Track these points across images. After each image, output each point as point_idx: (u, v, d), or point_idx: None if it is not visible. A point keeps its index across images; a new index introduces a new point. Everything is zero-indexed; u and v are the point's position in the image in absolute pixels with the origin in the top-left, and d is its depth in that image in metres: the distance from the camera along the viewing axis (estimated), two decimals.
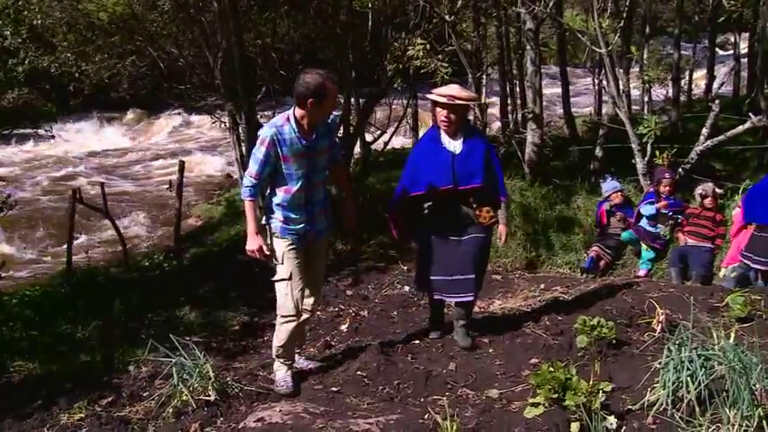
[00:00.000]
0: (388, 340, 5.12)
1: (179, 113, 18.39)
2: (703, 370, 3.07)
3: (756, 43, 9.53)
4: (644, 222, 7.42)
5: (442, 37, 9.06)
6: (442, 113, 4.53)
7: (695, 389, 3.03)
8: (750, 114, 7.59)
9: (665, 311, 4.23)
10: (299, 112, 4.14)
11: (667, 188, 7.30)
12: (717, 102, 7.76)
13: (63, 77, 11.85)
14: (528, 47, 9.28)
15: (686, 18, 13.06)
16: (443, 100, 4.46)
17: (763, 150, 9.46)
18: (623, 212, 7.70)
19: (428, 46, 8.18)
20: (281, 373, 4.47)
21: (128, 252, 8.65)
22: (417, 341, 4.96)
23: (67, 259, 7.91)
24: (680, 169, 7.59)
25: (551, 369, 3.30)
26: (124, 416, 4.21)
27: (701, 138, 7.68)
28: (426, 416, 3.64)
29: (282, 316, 4.38)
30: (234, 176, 13.66)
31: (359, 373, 4.55)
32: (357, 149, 10.92)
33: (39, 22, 10.05)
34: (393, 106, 11.38)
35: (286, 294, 4.33)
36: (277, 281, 4.35)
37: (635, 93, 11.32)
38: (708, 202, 7.18)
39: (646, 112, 10.46)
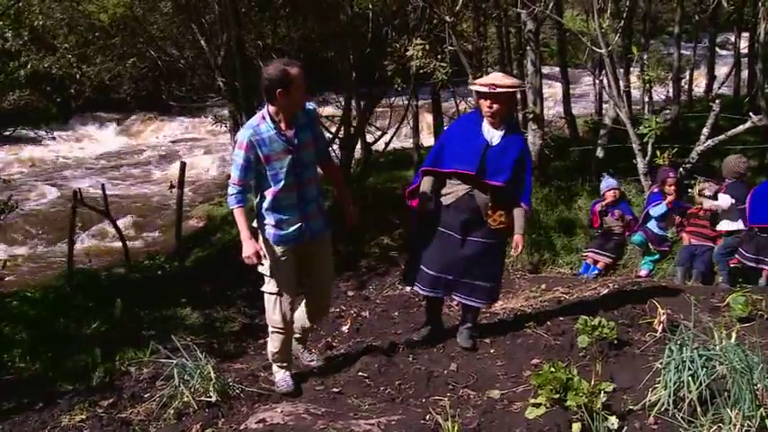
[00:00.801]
0: (390, 341, 5.12)
1: (180, 115, 18.40)
2: (705, 370, 3.07)
3: (756, 43, 9.52)
4: (652, 224, 7.36)
5: (443, 38, 9.05)
6: (485, 104, 4.31)
7: (696, 389, 3.02)
8: (750, 114, 7.58)
9: (666, 311, 4.23)
10: (272, 108, 4.00)
11: (673, 187, 7.28)
12: (717, 101, 7.74)
13: (64, 79, 11.87)
14: (528, 47, 9.27)
15: (686, 18, 13.04)
16: (484, 89, 4.25)
17: (763, 150, 9.45)
18: (621, 210, 7.68)
19: (427, 46, 8.16)
20: (280, 374, 4.46)
21: (129, 253, 8.65)
22: (419, 342, 4.95)
23: (68, 260, 7.92)
24: (680, 169, 7.57)
25: (553, 369, 3.30)
26: (125, 417, 4.21)
27: (702, 137, 7.67)
28: (428, 416, 3.64)
29: (272, 327, 4.33)
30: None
31: (360, 373, 4.56)
32: (358, 150, 10.92)
33: (40, 23, 10.07)
34: (394, 107, 11.38)
35: (274, 308, 4.25)
36: (265, 292, 4.26)
37: (635, 93, 11.31)
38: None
39: (646, 112, 10.45)
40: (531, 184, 4.61)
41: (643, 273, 7.22)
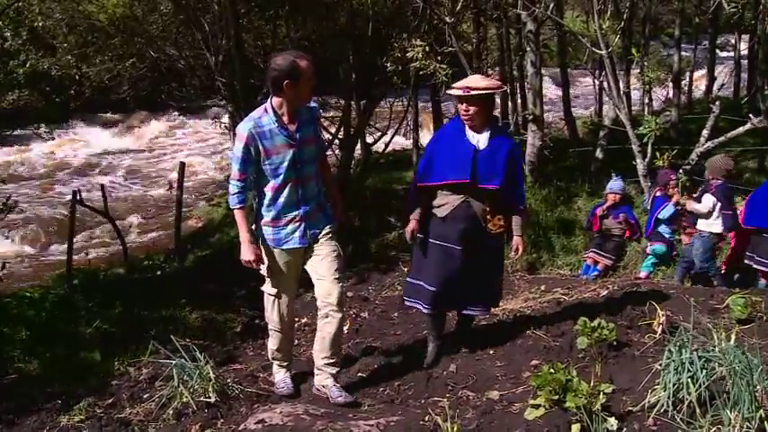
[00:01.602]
0: (389, 341, 5.12)
1: (179, 115, 18.41)
2: (704, 371, 3.07)
3: (756, 44, 9.53)
4: (663, 229, 7.33)
5: (443, 38, 9.06)
6: (461, 108, 4.20)
7: (696, 390, 3.02)
8: (750, 116, 7.59)
9: (665, 313, 4.23)
10: (276, 100, 3.91)
11: (676, 189, 7.26)
12: (717, 103, 7.75)
13: (63, 79, 11.86)
14: (528, 48, 9.29)
15: (686, 19, 13.06)
16: (459, 92, 4.16)
17: (763, 152, 9.46)
18: (624, 214, 7.69)
19: (427, 48, 8.17)
20: (279, 376, 4.44)
21: (128, 253, 8.65)
22: (418, 342, 4.95)
23: (68, 260, 7.91)
24: (680, 171, 7.58)
25: (552, 371, 3.29)
26: (124, 417, 4.21)
27: (702, 139, 7.68)
28: (427, 417, 3.64)
29: (270, 326, 4.33)
30: None
31: (359, 374, 4.56)
32: (358, 151, 10.93)
33: (39, 23, 10.06)
34: (393, 108, 11.39)
35: (272, 308, 4.24)
36: (265, 292, 4.25)
37: (635, 94, 11.32)
38: None
39: (646, 113, 10.47)
40: (522, 177, 4.53)
41: (642, 275, 7.23)
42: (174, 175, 9.48)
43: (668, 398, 3.09)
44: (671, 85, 11.57)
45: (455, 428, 3.30)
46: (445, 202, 4.28)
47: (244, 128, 3.91)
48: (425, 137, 12.81)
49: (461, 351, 4.61)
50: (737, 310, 4.37)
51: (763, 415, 2.85)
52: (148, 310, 6.67)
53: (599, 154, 9.86)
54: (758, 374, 2.97)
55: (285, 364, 4.46)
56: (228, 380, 4.48)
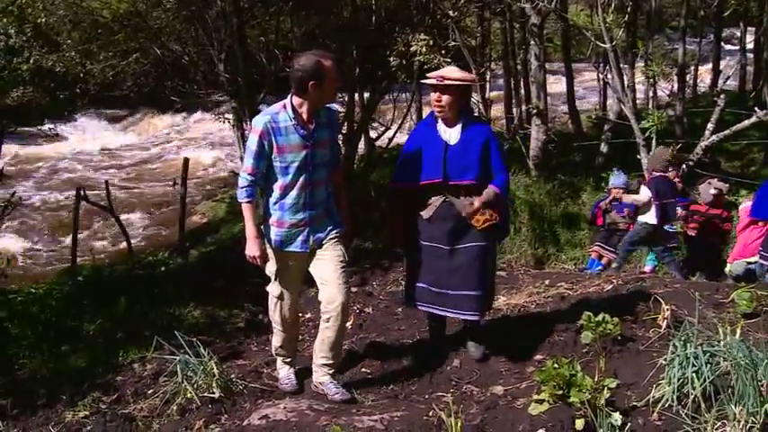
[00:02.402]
0: (393, 337, 5.11)
1: (183, 111, 18.42)
2: (709, 366, 3.05)
3: (762, 37, 9.48)
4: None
5: (446, 33, 9.03)
6: (434, 97, 4.12)
7: (700, 385, 3.01)
8: (756, 108, 7.55)
9: (670, 307, 4.21)
10: (296, 99, 3.84)
11: (677, 180, 7.25)
12: (722, 96, 7.72)
13: (68, 76, 11.87)
14: (532, 42, 9.26)
15: (691, 12, 12.99)
16: (432, 81, 4.08)
17: None
18: (629, 208, 7.66)
19: (431, 42, 8.15)
20: (283, 372, 4.44)
21: (132, 249, 8.67)
22: (421, 338, 4.95)
23: (72, 257, 7.94)
24: (684, 165, 7.55)
25: (556, 365, 3.28)
26: (128, 413, 4.21)
27: (707, 132, 7.65)
28: (431, 413, 3.63)
29: (273, 324, 4.33)
30: (238, 173, 13.68)
31: (363, 369, 4.55)
32: (361, 146, 10.92)
33: (43, 20, 10.07)
34: (397, 102, 11.38)
35: (275, 308, 4.22)
36: (269, 292, 4.22)
37: (640, 87, 11.28)
38: (718, 199, 7.14)
39: (651, 106, 10.43)
40: (505, 171, 4.25)
41: (647, 269, 7.21)
42: (178, 170, 9.48)
43: (673, 393, 3.08)
44: (676, 78, 11.52)
45: (459, 424, 3.29)
46: (427, 203, 4.19)
47: (260, 121, 3.84)
48: None
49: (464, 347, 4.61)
50: (743, 305, 4.35)
51: None
52: (152, 307, 6.67)
53: (603, 148, 9.83)
54: (763, 369, 2.96)
55: (289, 360, 4.45)
56: (232, 375, 4.48)
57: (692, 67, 13.46)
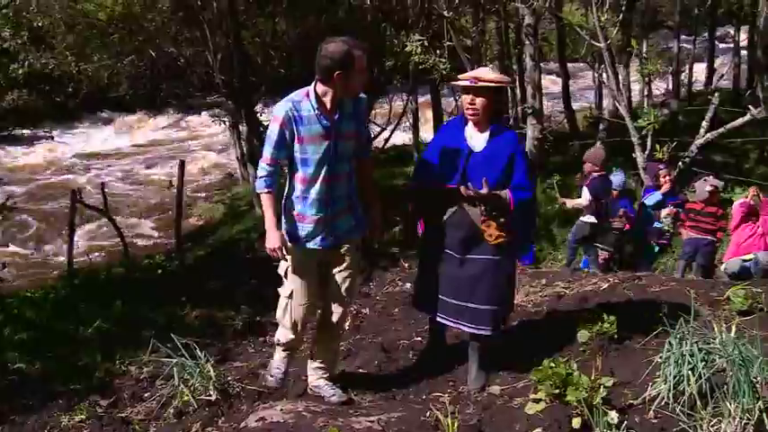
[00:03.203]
0: (390, 337, 5.11)
1: (179, 113, 18.40)
2: (704, 363, 3.06)
3: (756, 35, 9.50)
4: (648, 214, 7.37)
5: (442, 33, 9.05)
6: (467, 100, 3.86)
7: (696, 382, 3.01)
8: (750, 107, 7.57)
9: (666, 305, 4.22)
10: (321, 88, 3.62)
11: (667, 178, 7.28)
12: (716, 94, 7.74)
13: (63, 78, 11.88)
14: (527, 42, 9.26)
15: (686, 11, 13.03)
16: (465, 82, 3.83)
17: (763, 142, 9.44)
18: (624, 207, 7.67)
19: (426, 42, 8.15)
20: (276, 361, 4.23)
21: (128, 252, 8.65)
22: (419, 338, 4.95)
23: (68, 260, 7.93)
24: (680, 162, 7.56)
25: (552, 364, 3.29)
26: (125, 417, 4.21)
27: (701, 131, 7.67)
28: (428, 413, 3.63)
29: (281, 332, 4.07)
30: (235, 175, 13.68)
31: (360, 370, 4.55)
32: None
33: (38, 23, 10.07)
34: (393, 103, 11.38)
35: (284, 313, 3.95)
36: (281, 295, 3.97)
37: (635, 86, 11.31)
38: (713, 197, 7.16)
39: (646, 105, 10.45)
40: (530, 191, 3.91)
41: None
42: (174, 173, 9.48)
43: (669, 390, 3.08)
44: (670, 77, 11.55)
45: (456, 424, 3.29)
46: (443, 207, 3.98)
47: (281, 109, 3.61)
48: (425, 132, 12.82)
49: (462, 347, 4.60)
50: (738, 302, 4.37)
51: (763, 406, 2.85)
52: (149, 309, 6.68)
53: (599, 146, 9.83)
54: (758, 366, 2.97)
55: (288, 351, 4.20)
56: (229, 378, 4.47)
57: (687, 66, 13.48)
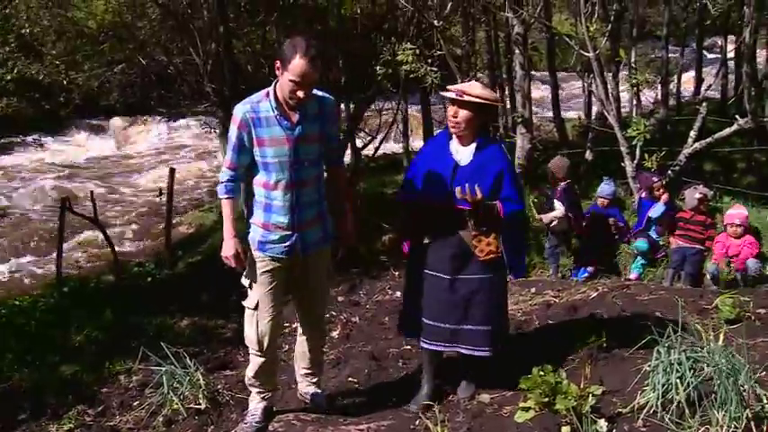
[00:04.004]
0: (380, 346, 5.12)
1: (169, 121, 18.34)
2: (692, 372, 3.08)
3: (742, 46, 9.60)
4: (652, 231, 7.38)
5: (431, 42, 9.08)
6: (450, 112, 3.72)
7: (684, 391, 3.03)
8: (737, 117, 7.63)
9: (654, 313, 4.24)
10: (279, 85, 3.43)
11: (662, 190, 7.31)
12: (704, 104, 7.80)
13: (52, 86, 11.85)
14: (517, 51, 9.32)
15: (674, 21, 13.13)
16: (451, 95, 3.69)
17: (750, 152, 9.52)
18: (614, 216, 7.70)
19: (417, 51, 8.18)
20: (253, 404, 3.92)
21: (118, 260, 8.62)
22: (408, 347, 4.95)
23: (57, 268, 7.89)
24: (669, 172, 7.61)
25: (542, 373, 3.30)
26: (114, 426, 4.21)
27: (689, 140, 7.72)
28: (417, 422, 3.64)
29: (249, 347, 3.79)
30: None
31: (350, 379, 4.56)
32: (347, 155, 10.93)
33: (27, 31, 10.05)
34: (383, 111, 11.40)
35: (251, 325, 3.69)
36: (245, 307, 3.72)
37: (624, 96, 11.37)
38: (702, 205, 7.20)
39: (634, 114, 10.52)
40: (520, 204, 3.77)
41: (633, 276, 7.25)
42: (164, 181, 9.45)
43: (657, 399, 3.10)
44: (659, 86, 11.63)
45: None
46: (430, 224, 3.81)
47: (239, 110, 3.45)
48: (415, 141, 12.84)
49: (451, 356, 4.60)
50: (726, 311, 4.39)
51: (750, 414, 2.87)
52: (139, 317, 6.66)
53: (588, 156, 9.88)
54: (745, 374, 2.99)
55: (263, 393, 3.88)
56: (219, 386, 4.48)
57: (675, 76, 13.59)
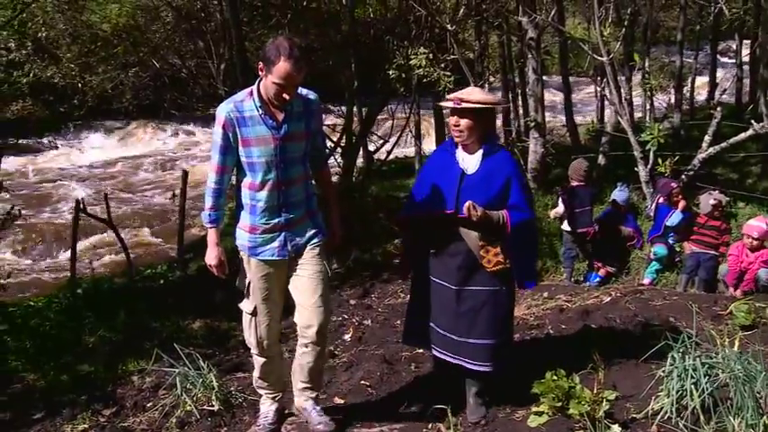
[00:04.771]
0: (392, 349, 5.12)
1: (182, 123, 18.44)
2: (707, 378, 3.06)
3: (758, 50, 9.54)
4: (669, 237, 7.35)
5: (444, 46, 9.08)
6: (452, 120, 3.65)
7: (699, 397, 3.02)
8: (752, 121, 7.58)
9: (668, 319, 4.22)
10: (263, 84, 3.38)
11: (680, 196, 7.27)
12: (719, 109, 7.74)
13: (67, 89, 11.93)
14: (530, 55, 9.29)
15: (689, 25, 13.06)
16: (449, 104, 3.62)
17: (766, 157, 9.44)
18: (630, 224, 7.67)
19: (431, 55, 8.19)
20: (264, 407, 3.93)
21: (131, 262, 8.66)
22: (421, 351, 4.95)
23: (71, 269, 7.93)
24: (682, 177, 7.57)
25: (555, 377, 3.30)
26: (128, 426, 4.22)
27: (704, 145, 7.67)
28: (430, 425, 3.64)
29: (251, 350, 3.81)
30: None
31: (362, 382, 4.56)
32: (360, 159, 10.95)
33: (43, 34, 10.12)
34: (396, 115, 11.41)
35: (249, 329, 3.70)
36: (242, 310, 3.73)
37: (637, 100, 11.32)
38: (717, 211, 7.15)
39: (648, 119, 10.47)
40: (528, 212, 3.67)
41: (646, 281, 7.21)
42: (177, 183, 9.50)
43: (671, 405, 3.09)
44: (673, 91, 11.56)
45: None
46: (436, 235, 3.74)
47: (222, 110, 3.37)
48: (428, 145, 12.84)
49: None
50: (741, 317, 4.37)
51: (767, 421, 2.85)
52: (152, 319, 6.68)
53: (601, 160, 9.84)
54: (761, 381, 2.97)
55: (273, 394, 3.90)
56: (232, 388, 4.49)
57: (689, 80, 13.51)
